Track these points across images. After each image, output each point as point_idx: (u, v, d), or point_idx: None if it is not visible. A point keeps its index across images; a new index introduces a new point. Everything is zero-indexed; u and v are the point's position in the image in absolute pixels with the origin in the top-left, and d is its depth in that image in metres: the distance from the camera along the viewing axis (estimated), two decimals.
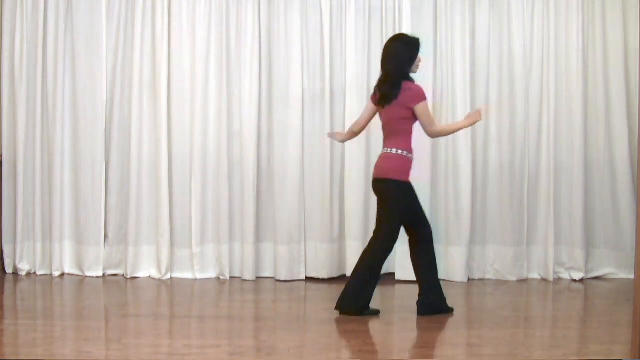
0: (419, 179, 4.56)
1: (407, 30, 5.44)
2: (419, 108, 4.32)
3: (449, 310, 4.54)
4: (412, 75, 4.43)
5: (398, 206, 4.39)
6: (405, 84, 4.35)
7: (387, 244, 4.41)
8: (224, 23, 5.48)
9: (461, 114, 5.47)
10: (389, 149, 4.39)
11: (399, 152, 4.35)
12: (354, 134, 4.68)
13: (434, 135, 4.46)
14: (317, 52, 5.48)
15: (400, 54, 4.40)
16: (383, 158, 4.42)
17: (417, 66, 4.48)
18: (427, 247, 4.48)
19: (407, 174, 4.39)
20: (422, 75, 5.43)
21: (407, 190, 4.40)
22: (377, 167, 4.44)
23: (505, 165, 5.56)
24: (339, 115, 5.51)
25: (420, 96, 4.33)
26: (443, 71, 5.53)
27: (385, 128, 4.46)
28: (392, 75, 4.37)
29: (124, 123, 5.51)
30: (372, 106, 4.52)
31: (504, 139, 5.56)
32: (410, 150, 4.39)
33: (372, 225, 5.50)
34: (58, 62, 5.46)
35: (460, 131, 5.41)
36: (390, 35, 5.51)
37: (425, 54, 5.44)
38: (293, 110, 5.45)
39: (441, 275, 5.52)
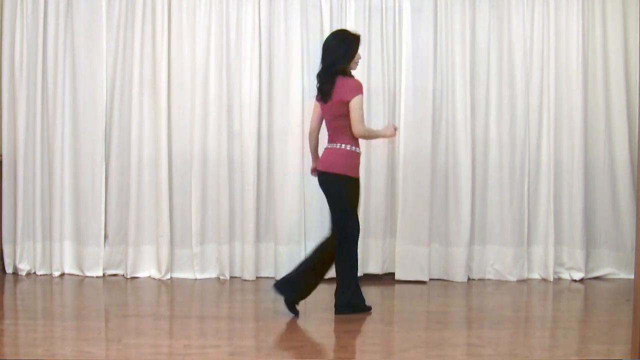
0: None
1: (407, 30, 5.45)
2: (352, 102, 4.25)
3: (366, 310, 4.49)
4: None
5: (343, 198, 4.35)
6: (339, 80, 4.30)
7: (351, 234, 4.39)
8: (224, 23, 5.47)
9: (461, 114, 5.48)
10: (334, 144, 4.35)
11: (344, 146, 4.31)
12: (314, 138, 4.59)
13: (359, 134, 4.31)
14: (317, 52, 5.46)
15: (334, 49, 4.36)
16: (328, 153, 4.38)
17: (356, 63, 4.45)
18: (340, 246, 4.39)
19: (354, 168, 4.36)
20: (423, 75, 5.48)
21: (349, 185, 4.35)
22: (322, 161, 4.40)
23: (505, 165, 5.56)
24: None
25: (355, 90, 4.27)
26: (443, 71, 5.53)
27: (328, 126, 4.42)
28: (326, 71, 4.35)
29: (124, 123, 5.51)
30: (318, 104, 4.47)
31: (504, 139, 5.56)
32: (356, 144, 4.35)
33: (373, 225, 5.56)
34: (58, 62, 5.45)
35: (460, 131, 5.48)
36: (391, 34, 5.53)
37: (425, 54, 5.51)
38: (293, 110, 5.46)
39: (441, 275, 5.58)
